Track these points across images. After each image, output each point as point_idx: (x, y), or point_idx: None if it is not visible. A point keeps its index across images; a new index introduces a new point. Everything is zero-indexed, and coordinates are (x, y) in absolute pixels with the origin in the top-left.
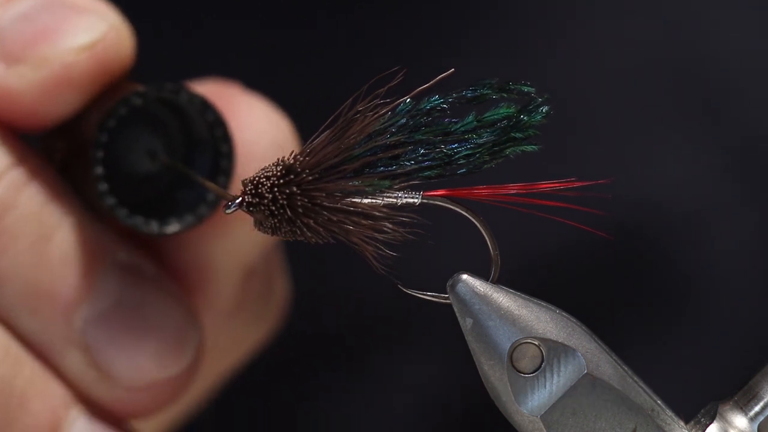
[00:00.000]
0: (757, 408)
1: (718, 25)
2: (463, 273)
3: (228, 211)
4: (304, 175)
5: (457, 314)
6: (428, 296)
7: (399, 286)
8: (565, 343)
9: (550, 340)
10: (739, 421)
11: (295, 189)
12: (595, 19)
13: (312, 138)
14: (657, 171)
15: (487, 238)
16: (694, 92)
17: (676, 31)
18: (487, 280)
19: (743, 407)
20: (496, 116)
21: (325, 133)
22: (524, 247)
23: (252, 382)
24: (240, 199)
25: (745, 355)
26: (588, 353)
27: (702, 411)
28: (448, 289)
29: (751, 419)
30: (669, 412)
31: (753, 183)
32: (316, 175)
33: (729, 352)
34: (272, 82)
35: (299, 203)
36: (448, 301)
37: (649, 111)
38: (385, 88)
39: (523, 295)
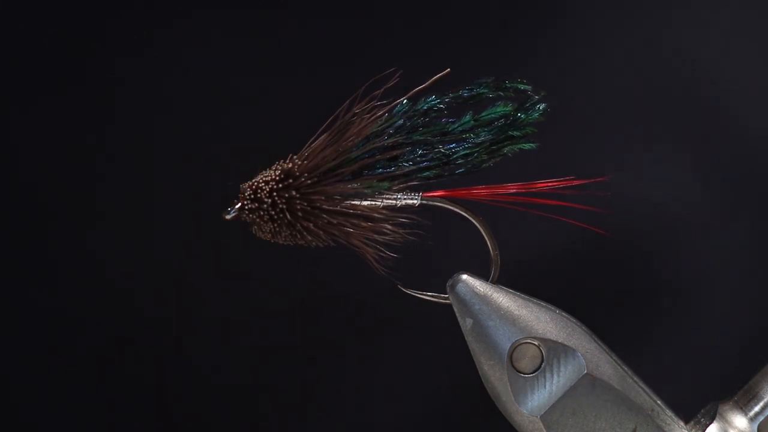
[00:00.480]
0: (757, 408)
1: (712, 39)
2: (463, 273)
3: (227, 216)
4: (303, 179)
5: (457, 314)
6: (428, 296)
7: (399, 286)
8: (565, 343)
9: (550, 340)
10: (739, 421)
11: (294, 193)
12: (595, 25)
13: (309, 141)
14: (656, 172)
15: (486, 238)
16: (689, 104)
17: (673, 44)
18: (487, 281)
19: (743, 407)
20: (493, 115)
21: (323, 136)
22: (524, 246)
23: (248, 387)
24: (239, 204)
25: (745, 355)
26: (588, 353)
27: (702, 411)
28: (447, 289)
29: (751, 419)
30: (669, 412)
31: (750, 184)
32: (315, 179)
33: (729, 353)
34: (270, 82)
35: (298, 207)
36: (447, 301)
37: (646, 116)
38: (382, 90)
39: (522, 295)
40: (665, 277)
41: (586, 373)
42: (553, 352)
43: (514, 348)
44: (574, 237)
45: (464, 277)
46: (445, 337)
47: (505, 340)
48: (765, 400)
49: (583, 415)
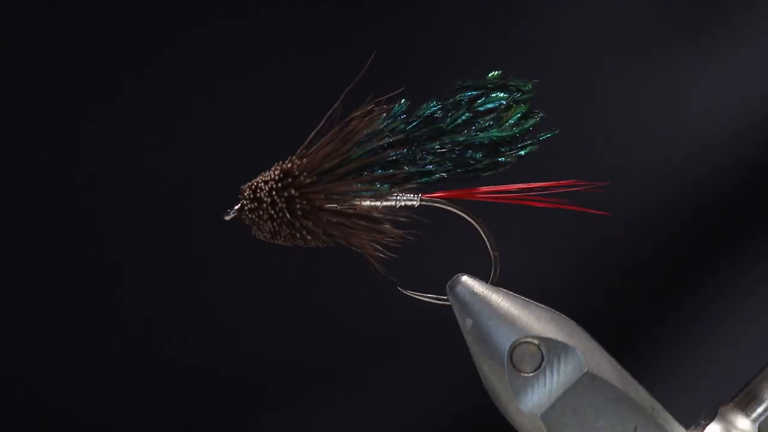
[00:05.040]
0: (759, 410)
1: None
2: (462, 275)
3: (227, 217)
4: (302, 178)
5: (457, 315)
6: (428, 298)
7: (398, 287)
8: (566, 342)
9: (550, 339)
10: (742, 422)
11: (293, 192)
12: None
13: (309, 140)
14: (656, 174)
15: (486, 240)
16: None
17: None
18: (487, 282)
19: (744, 409)
20: (489, 104)
21: (323, 136)
22: (524, 248)
23: (245, 397)
24: (239, 205)
25: (745, 356)
26: (588, 351)
27: (703, 414)
28: (447, 290)
29: (753, 421)
30: (668, 414)
31: (746, 193)
32: (314, 178)
33: (728, 353)
34: (269, 79)
35: (298, 206)
36: (447, 303)
37: None
38: (385, 97)
39: (521, 297)
40: (666, 278)
41: (587, 372)
42: (553, 350)
43: (514, 348)
44: (575, 239)
45: (463, 278)
46: (440, 352)
47: (504, 339)
48: (767, 402)
49: (583, 414)
